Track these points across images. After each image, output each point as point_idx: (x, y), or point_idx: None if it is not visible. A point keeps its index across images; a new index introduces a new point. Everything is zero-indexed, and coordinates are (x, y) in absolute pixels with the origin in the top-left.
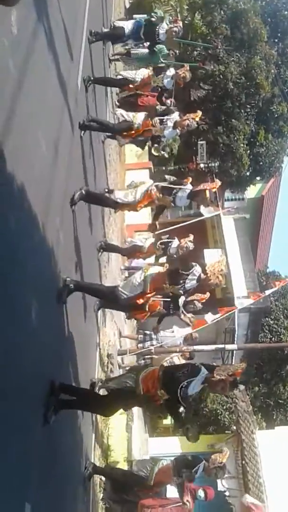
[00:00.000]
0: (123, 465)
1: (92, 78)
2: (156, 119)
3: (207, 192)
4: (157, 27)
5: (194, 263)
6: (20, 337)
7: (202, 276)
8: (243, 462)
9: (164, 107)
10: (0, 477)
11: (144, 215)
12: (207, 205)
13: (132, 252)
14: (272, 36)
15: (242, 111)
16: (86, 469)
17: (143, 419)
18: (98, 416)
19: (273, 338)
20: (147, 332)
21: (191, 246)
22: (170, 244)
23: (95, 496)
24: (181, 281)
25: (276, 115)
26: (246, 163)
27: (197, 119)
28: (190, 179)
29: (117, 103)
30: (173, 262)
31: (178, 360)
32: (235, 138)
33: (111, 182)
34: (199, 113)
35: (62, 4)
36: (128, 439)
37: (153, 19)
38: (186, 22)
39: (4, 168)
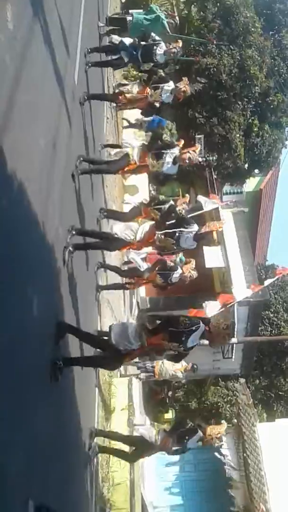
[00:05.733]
0: (126, 469)
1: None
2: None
3: (214, 234)
4: (155, 47)
5: (198, 321)
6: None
7: (206, 332)
8: (244, 454)
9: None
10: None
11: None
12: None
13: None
14: (268, 28)
15: (239, 102)
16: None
17: (144, 414)
18: (100, 411)
19: (273, 331)
20: (147, 363)
21: (195, 274)
22: (172, 274)
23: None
24: (183, 339)
25: (272, 107)
26: (242, 153)
27: (197, 151)
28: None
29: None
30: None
31: (181, 374)
32: (230, 129)
33: (107, 192)
34: (198, 146)
35: None
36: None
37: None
38: (183, 15)
39: (3, 164)
